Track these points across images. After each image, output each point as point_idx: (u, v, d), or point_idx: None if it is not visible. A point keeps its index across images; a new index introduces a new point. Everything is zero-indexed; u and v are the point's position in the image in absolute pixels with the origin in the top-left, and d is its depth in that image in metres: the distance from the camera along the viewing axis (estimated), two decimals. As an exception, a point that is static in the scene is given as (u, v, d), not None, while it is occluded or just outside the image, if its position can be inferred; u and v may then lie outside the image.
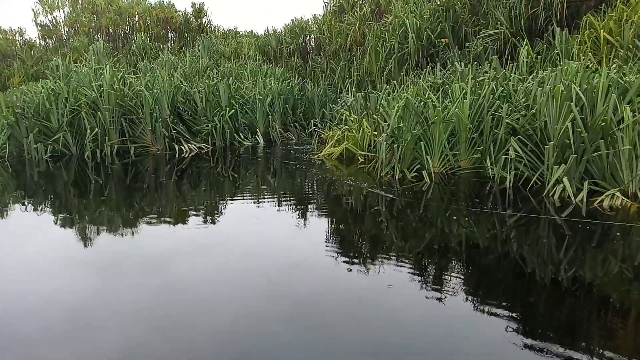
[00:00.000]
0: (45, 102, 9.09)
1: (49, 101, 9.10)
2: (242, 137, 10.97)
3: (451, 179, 6.24)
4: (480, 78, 7.43)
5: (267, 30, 22.39)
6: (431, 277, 3.28)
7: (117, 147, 9.48)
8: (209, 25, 24.77)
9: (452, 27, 11.51)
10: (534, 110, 5.74)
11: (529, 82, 6.33)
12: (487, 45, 10.09)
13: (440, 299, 2.90)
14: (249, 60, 16.74)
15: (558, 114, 5.43)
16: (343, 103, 9.41)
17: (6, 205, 6.02)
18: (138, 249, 4.09)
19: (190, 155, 9.54)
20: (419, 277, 3.24)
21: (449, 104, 6.61)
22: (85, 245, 4.22)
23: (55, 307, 2.94)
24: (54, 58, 10.52)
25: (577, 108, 5.18)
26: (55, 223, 5.07)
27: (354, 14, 14.08)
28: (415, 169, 6.35)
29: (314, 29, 18.00)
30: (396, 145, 6.17)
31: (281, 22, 35.31)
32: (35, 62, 23.36)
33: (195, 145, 9.98)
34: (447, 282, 3.16)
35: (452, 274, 3.32)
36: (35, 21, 25.24)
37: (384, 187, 5.97)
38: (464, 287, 3.08)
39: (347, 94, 9.61)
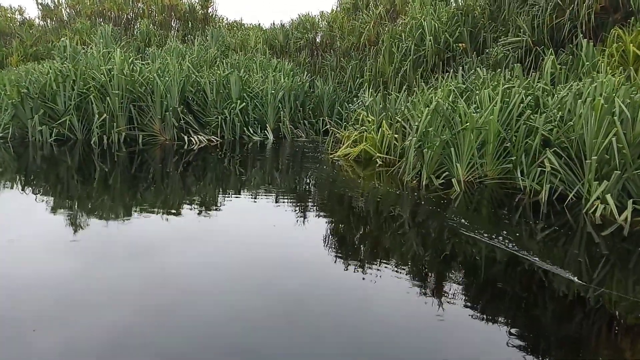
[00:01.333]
0: (52, 84, 8.74)
1: (56, 82, 8.75)
2: (252, 131, 10.69)
3: (477, 188, 6.03)
4: (506, 85, 7.24)
5: (274, 24, 22.13)
6: (438, 286, 3.12)
7: (125, 134, 9.16)
8: (214, 15, 24.40)
9: (470, 32, 11.32)
10: (571, 122, 5.54)
11: (564, 93, 6.14)
12: (508, 52, 9.91)
13: (444, 311, 2.77)
14: (256, 53, 16.44)
15: (597, 127, 5.25)
16: (360, 103, 9.16)
17: (4, 188, 5.73)
18: (133, 237, 4.02)
19: (199, 147, 9.25)
20: (431, 288, 3.03)
21: (476, 110, 6.41)
22: (78, 231, 4.09)
23: (46, 290, 2.91)
24: (62, 39, 10.16)
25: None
26: (53, 208, 4.87)
27: (368, 12, 13.84)
28: (442, 176, 6.14)
29: (323, 25, 17.75)
30: (425, 150, 5.94)
31: (287, 17, 35.00)
32: (35, 42, 22.82)
33: (204, 137, 9.68)
34: (451, 292, 3.03)
35: (462, 285, 3.13)
36: (36, 0, 24.67)
37: (409, 193, 5.76)
38: (471, 300, 2.89)
39: (365, 94, 9.36)
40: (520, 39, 9.85)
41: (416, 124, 6.32)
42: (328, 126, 11.31)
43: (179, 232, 4.21)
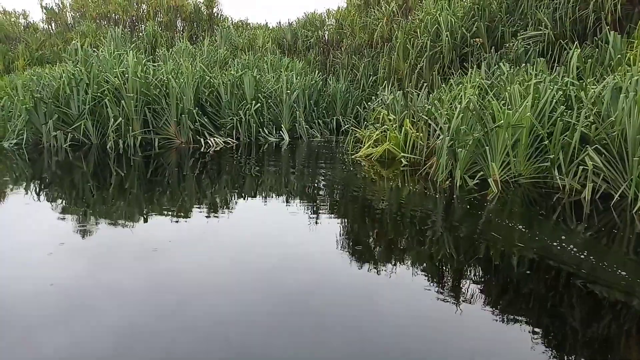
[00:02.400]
0: (66, 88, 8.56)
1: (69, 86, 8.57)
2: (267, 132, 10.49)
3: (512, 187, 5.81)
4: (535, 80, 7.02)
5: (280, 23, 21.94)
6: (476, 293, 2.91)
7: (140, 138, 8.97)
8: (220, 16, 24.21)
9: (487, 26, 11.08)
10: (612, 118, 5.32)
11: (599, 88, 5.90)
12: (529, 46, 9.68)
13: (475, 322, 2.56)
14: (266, 53, 16.24)
15: (640, 123, 5.03)
16: (380, 101, 8.95)
17: (20, 195, 5.56)
18: (149, 240, 3.95)
19: (215, 149, 9.06)
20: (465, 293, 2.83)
21: (505, 107, 6.18)
22: (94, 236, 4.02)
23: (54, 292, 2.91)
24: (73, 42, 9.97)
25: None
26: (69, 214, 4.73)
27: (380, 9, 13.61)
28: (475, 176, 5.93)
29: (332, 23, 17.54)
30: (459, 149, 5.73)
31: (289, 16, 34.75)
32: (40, 45, 22.68)
33: (221, 139, 9.49)
34: (487, 299, 2.81)
35: (502, 292, 2.91)
36: (40, 4, 24.53)
37: (443, 194, 5.55)
38: (510, 308, 2.67)
39: (384, 92, 9.15)
40: (541, 32, 9.61)
41: (443, 121, 6.09)
42: (346, 126, 11.12)
43: (197, 237, 4.12)
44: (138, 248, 3.79)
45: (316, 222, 4.49)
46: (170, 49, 14.16)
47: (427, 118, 7.05)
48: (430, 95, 8.64)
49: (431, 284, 3.10)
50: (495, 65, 9.10)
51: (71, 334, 2.45)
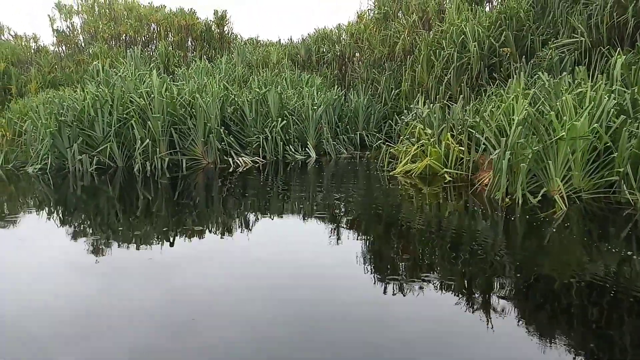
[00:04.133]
0: (90, 110, 8.29)
1: (93, 108, 8.31)
2: (292, 149, 10.18)
3: (574, 204, 5.44)
4: (579, 90, 6.69)
5: (291, 39, 21.81)
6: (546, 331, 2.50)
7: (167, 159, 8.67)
8: (230, 34, 24.15)
9: (515, 35, 10.80)
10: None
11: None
12: (563, 55, 9.36)
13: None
14: (282, 69, 16.04)
15: None
16: (414, 115, 8.63)
17: (46, 222, 5.30)
18: (171, 264, 3.90)
19: (244, 169, 8.74)
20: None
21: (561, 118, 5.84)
22: (111, 260, 4.00)
23: (83, 315, 2.93)
24: (95, 62, 9.75)
25: None
26: (95, 239, 4.64)
27: (400, 21, 13.38)
28: (535, 192, 5.56)
29: (347, 37, 17.35)
30: (521, 164, 5.37)
31: (295, 32, 34.79)
32: (51, 68, 22.64)
33: (248, 158, 9.18)
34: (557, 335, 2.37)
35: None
36: (51, 26, 24.57)
37: (504, 212, 5.18)
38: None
39: (417, 106, 8.83)
40: (576, 40, 9.31)
41: (493, 134, 5.74)
42: (376, 142, 10.80)
43: (226, 261, 4.02)
44: (163, 270, 3.76)
45: (366, 247, 4.13)
46: (189, 68, 13.95)
47: (473, 131, 6.71)
48: (467, 107, 8.32)
49: (511, 320, 2.72)
50: (527, 75, 8.77)
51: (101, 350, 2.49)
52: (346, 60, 16.17)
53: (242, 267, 3.82)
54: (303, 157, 10.06)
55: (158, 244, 4.42)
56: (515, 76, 8.17)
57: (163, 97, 8.41)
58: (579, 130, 5.36)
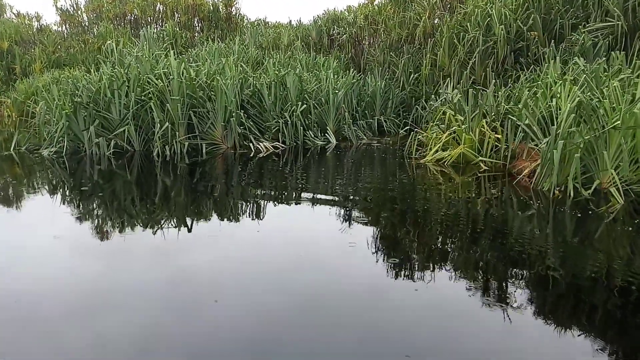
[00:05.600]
0: (107, 91, 7.95)
1: (110, 90, 7.97)
2: (312, 135, 9.86)
3: (625, 196, 5.16)
4: (621, 76, 6.38)
5: (299, 20, 21.34)
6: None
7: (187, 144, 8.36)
8: (238, 15, 23.61)
9: (543, 19, 10.41)
10: None
11: None
12: (597, 39, 9.00)
13: None
14: (295, 51, 15.62)
15: None
16: (444, 100, 8.30)
17: (68, 206, 5.19)
18: (187, 249, 3.87)
19: (265, 154, 8.44)
20: None
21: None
22: (127, 244, 4.02)
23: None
24: (108, 41, 9.37)
25: None
26: (110, 224, 4.59)
27: (420, 3, 12.95)
28: (586, 184, 5.28)
29: (361, 19, 16.88)
30: (575, 154, 5.07)
31: (305, 13, 34.15)
32: (55, 48, 22.14)
33: (269, 143, 8.87)
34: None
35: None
36: (55, 5, 24.00)
37: (554, 205, 4.91)
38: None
39: (447, 90, 8.50)
40: (611, 24, 8.94)
41: (526, 119, 5.42)
42: (406, 127, 10.46)
43: (247, 251, 3.87)
44: (175, 254, 3.75)
45: (400, 243, 3.86)
46: (196, 49, 13.55)
47: (514, 118, 6.40)
48: (498, 93, 7.99)
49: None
50: (554, 59, 8.41)
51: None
52: (361, 42, 15.75)
53: (259, 255, 3.73)
54: (323, 143, 9.75)
55: (174, 227, 4.34)
56: (550, 61, 7.80)
57: (182, 79, 8.06)
58: (635, 120, 5.06)
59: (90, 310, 2.76)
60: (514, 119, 6.41)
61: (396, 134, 11.68)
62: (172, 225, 4.45)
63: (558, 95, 6.08)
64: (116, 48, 9.09)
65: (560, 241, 3.99)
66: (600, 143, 5.17)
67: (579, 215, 4.60)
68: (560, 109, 5.94)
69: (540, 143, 6.01)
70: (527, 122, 6.19)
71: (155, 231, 4.27)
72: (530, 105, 6.19)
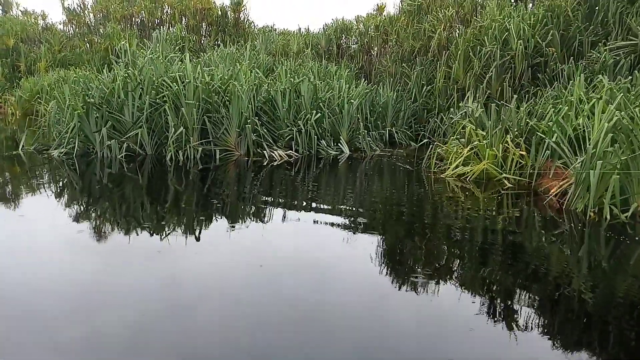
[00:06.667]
0: (120, 92, 7.76)
1: (124, 91, 7.77)
2: (325, 144, 9.67)
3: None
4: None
5: (307, 28, 21.27)
6: None
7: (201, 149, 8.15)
8: (246, 21, 23.51)
9: (562, 35, 10.31)
10: None
11: None
12: (619, 57, 8.88)
13: None
14: (305, 59, 15.50)
15: None
16: (464, 114, 8.15)
17: (81, 213, 4.94)
18: (195, 256, 3.82)
19: (277, 163, 8.25)
20: None
21: None
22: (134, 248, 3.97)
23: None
24: (122, 42, 9.20)
25: None
26: (117, 228, 4.52)
27: (436, 15, 12.86)
28: (622, 206, 5.10)
29: (372, 29, 16.80)
30: (613, 174, 4.90)
31: (310, 22, 34.14)
32: (61, 47, 21.96)
33: (283, 152, 8.68)
34: None
35: None
36: (62, 4, 23.86)
37: (588, 227, 4.74)
38: None
39: (467, 104, 8.35)
40: (634, 42, 8.83)
41: (554, 136, 5.25)
42: (428, 139, 10.28)
43: (254, 263, 3.72)
44: (179, 260, 3.71)
45: (424, 268, 3.67)
46: (204, 53, 13.39)
47: (543, 135, 6.23)
48: (520, 108, 7.84)
49: None
50: (578, 77, 8.28)
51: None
52: (372, 53, 15.64)
53: (263, 263, 3.67)
54: (336, 153, 9.56)
55: (182, 235, 4.26)
56: (575, 78, 7.66)
57: (198, 83, 7.88)
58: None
59: (90, 310, 2.81)
60: (543, 135, 6.24)
61: (408, 145, 11.53)
62: (179, 232, 4.37)
63: (586, 113, 5.92)
64: (129, 49, 8.90)
65: (596, 265, 3.80)
66: (638, 164, 5.00)
67: (616, 238, 4.42)
68: (589, 128, 5.79)
69: (570, 162, 5.85)
70: (555, 139, 6.02)
71: (162, 237, 4.20)
72: (560, 123, 6.02)
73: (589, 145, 5.27)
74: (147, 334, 2.55)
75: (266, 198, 5.94)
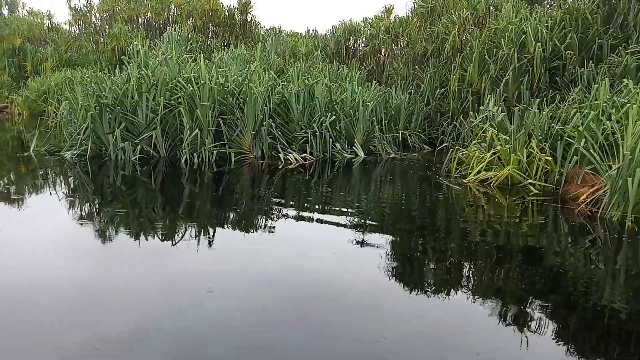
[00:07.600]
0: (134, 94, 7.60)
1: (138, 92, 7.61)
2: (339, 147, 9.50)
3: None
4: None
5: (315, 30, 21.14)
6: None
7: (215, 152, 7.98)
8: (253, 22, 23.37)
9: (580, 38, 10.13)
10: None
11: None
12: (639, 61, 8.70)
13: None
14: (315, 60, 15.34)
15: None
16: (484, 117, 7.97)
17: (97, 218, 4.79)
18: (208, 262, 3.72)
19: (294, 166, 8.08)
20: None
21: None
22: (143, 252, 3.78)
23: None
24: (134, 42, 9.04)
25: None
26: (127, 231, 4.43)
27: (450, 17, 12.69)
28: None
29: (382, 31, 16.64)
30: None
31: (317, 23, 34.03)
32: (67, 47, 21.84)
33: (298, 155, 8.51)
34: None
35: None
36: (68, 4, 23.75)
37: (627, 237, 4.56)
38: None
39: (488, 107, 8.17)
40: (657, 46, 8.65)
41: (583, 141, 5.07)
42: (444, 144, 10.13)
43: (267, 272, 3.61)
44: (185, 262, 3.67)
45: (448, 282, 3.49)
46: (211, 54, 13.25)
47: (571, 140, 6.06)
48: (542, 112, 7.66)
49: None
50: (596, 81, 8.10)
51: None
52: (382, 55, 15.49)
53: (272, 267, 3.63)
54: (351, 156, 9.39)
55: (194, 238, 4.17)
56: (600, 82, 7.48)
57: (213, 84, 7.72)
58: None
59: (89, 309, 2.83)
60: (571, 140, 6.07)
61: (421, 149, 11.36)
62: (192, 235, 4.26)
63: (617, 118, 5.75)
64: (141, 49, 8.74)
65: (637, 276, 3.63)
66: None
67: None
68: (618, 133, 5.61)
69: (600, 168, 5.67)
70: (584, 144, 5.84)
71: (174, 241, 4.13)
72: (590, 127, 5.85)
73: (624, 150, 5.09)
74: (151, 335, 2.53)
75: (279, 200, 5.88)
